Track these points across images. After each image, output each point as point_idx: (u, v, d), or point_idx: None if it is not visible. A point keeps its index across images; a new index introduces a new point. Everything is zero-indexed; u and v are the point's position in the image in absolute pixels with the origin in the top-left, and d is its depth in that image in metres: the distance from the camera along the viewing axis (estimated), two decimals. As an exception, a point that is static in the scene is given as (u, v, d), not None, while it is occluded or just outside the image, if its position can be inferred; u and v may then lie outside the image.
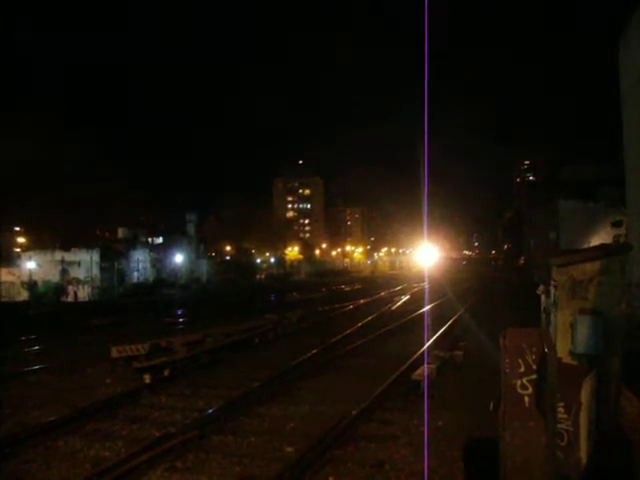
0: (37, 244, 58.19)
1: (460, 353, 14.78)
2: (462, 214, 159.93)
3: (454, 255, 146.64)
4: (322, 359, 15.28)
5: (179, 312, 34.00)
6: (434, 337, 17.94)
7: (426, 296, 32.99)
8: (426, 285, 44.75)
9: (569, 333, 4.15)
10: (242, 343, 17.61)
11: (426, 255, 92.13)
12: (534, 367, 4.62)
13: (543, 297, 4.85)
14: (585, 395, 4.18)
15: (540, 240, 54.05)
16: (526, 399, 4.65)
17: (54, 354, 17.70)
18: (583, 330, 4.06)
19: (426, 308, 27.96)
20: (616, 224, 41.27)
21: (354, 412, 9.73)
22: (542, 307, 4.90)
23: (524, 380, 4.67)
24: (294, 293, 50.43)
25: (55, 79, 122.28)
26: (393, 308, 31.00)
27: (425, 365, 12.59)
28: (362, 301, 36.68)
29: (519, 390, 4.67)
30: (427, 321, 21.13)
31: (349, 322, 23.25)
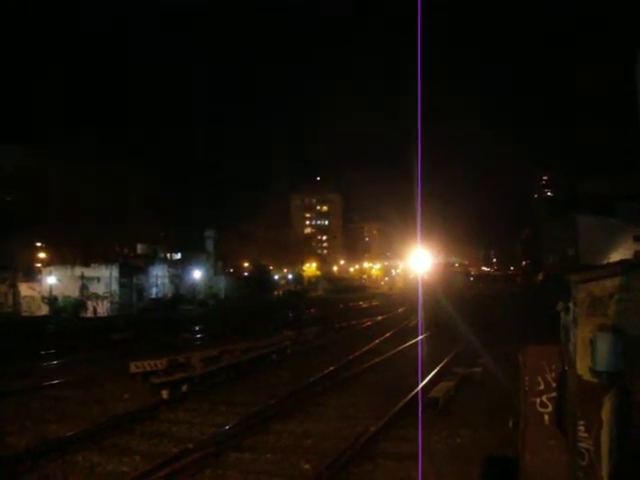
0: (57, 259, 58.83)
1: (479, 370, 14.66)
2: (478, 229, 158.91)
3: (473, 271, 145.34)
4: (340, 376, 15.22)
5: (197, 328, 34.09)
6: (450, 355, 17.83)
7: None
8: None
9: (589, 350, 4.11)
10: (260, 359, 17.61)
11: (419, 266, 71.03)
12: (554, 385, 4.58)
13: (562, 314, 4.81)
14: (606, 413, 4.12)
15: (559, 256, 53.61)
16: (546, 417, 4.60)
17: (73, 369, 17.82)
18: (603, 347, 4.01)
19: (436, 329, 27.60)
20: (638, 238, 40.82)
21: (372, 429, 9.67)
22: (561, 324, 4.87)
23: (544, 398, 4.62)
24: (312, 309, 50.39)
25: (75, 99, 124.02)
26: (411, 325, 30.82)
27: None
28: (380, 318, 36.54)
29: (539, 408, 4.62)
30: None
31: (367, 339, 23.15)
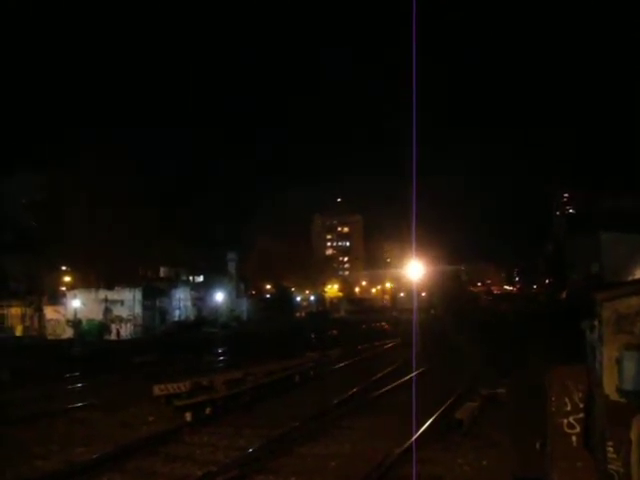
0: (82, 283, 59.37)
1: (504, 391, 14.47)
2: (500, 248, 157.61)
3: (496, 290, 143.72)
4: (363, 397, 15.12)
5: (220, 350, 34.10)
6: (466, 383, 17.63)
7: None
8: None
9: (615, 369, 4.06)
10: (283, 381, 17.55)
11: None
12: (581, 405, 4.51)
13: (588, 332, 4.76)
14: (635, 434, 4.06)
15: (582, 273, 52.85)
16: (573, 438, 4.53)
17: (98, 391, 17.89)
18: (630, 366, 3.96)
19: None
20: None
21: (396, 451, 9.57)
22: (587, 343, 4.81)
23: (571, 419, 4.56)
24: (334, 330, 50.13)
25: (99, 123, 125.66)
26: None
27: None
28: (401, 339, 36.27)
29: (566, 429, 4.56)
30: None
31: (389, 360, 23.02)
